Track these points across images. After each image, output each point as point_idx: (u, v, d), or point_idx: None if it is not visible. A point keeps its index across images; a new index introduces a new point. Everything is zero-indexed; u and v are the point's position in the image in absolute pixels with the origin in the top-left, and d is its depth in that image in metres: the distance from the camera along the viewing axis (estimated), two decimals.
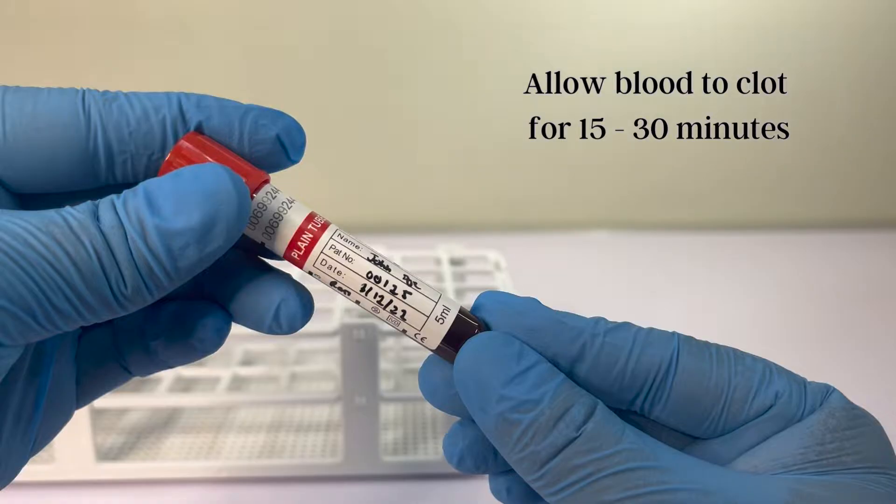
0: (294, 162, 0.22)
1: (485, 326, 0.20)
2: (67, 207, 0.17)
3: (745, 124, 0.88)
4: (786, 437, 0.19)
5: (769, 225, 0.90)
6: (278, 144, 0.21)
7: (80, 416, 0.37)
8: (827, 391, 0.20)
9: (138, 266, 0.17)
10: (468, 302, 0.44)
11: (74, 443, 0.38)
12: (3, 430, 0.19)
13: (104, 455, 0.41)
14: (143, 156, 0.20)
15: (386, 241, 0.54)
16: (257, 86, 0.82)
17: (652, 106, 0.87)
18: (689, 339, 0.20)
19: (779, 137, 0.88)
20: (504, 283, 0.46)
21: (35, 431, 0.21)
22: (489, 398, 0.18)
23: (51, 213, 0.17)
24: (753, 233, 0.87)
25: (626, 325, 0.21)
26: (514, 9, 0.82)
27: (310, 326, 0.39)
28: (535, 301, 0.21)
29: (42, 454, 0.41)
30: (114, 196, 0.18)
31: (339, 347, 0.38)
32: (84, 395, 0.22)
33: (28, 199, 0.20)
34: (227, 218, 0.18)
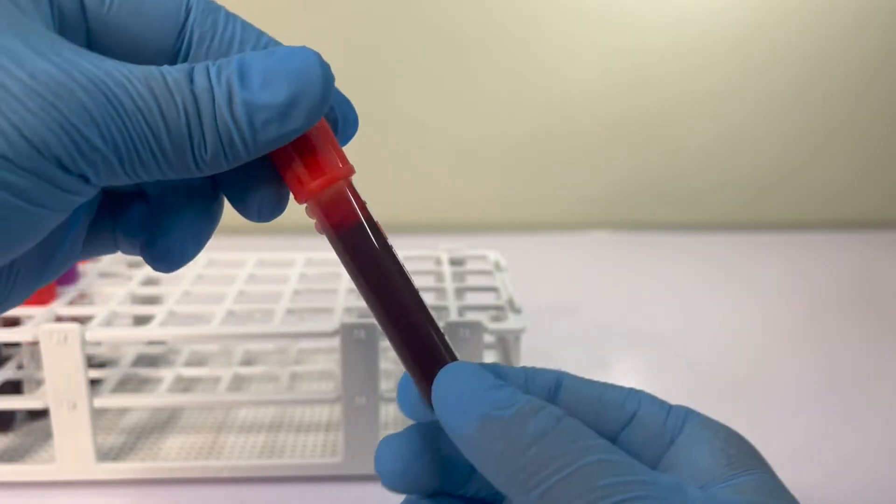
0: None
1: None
2: (166, 66, 0.18)
3: (746, 124, 0.88)
4: (696, 454, 0.20)
5: (769, 225, 0.90)
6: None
7: (81, 416, 0.37)
8: (688, 410, 0.21)
9: (220, 133, 0.18)
10: (468, 302, 0.44)
11: (75, 443, 0.38)
12: (42, 263, 0.20)
13: (104, 455, 0.41)
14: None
15: None
16: None
17: (652, 106, 0.87)
18: (571, 374, 0.22)
19: (778, 137, 0.88)
20: (504, 283, 0.46)
21: (55, 267, 0.21)
22: (471, 401, 0.19)
23: (151, 68, 0.18)
24: (753, 233, 0.87)
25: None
26: (515, 9, 0.82)
27: (310, 326, 0.39)
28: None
29: (43, 454, 0.41)
30: (209, 62, 0.19)
31: (339, 347, 0.38)
32: (85, 248, 0.23)
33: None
34: (311, 100, 0.19)
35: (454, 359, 0.21)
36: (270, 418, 0.45)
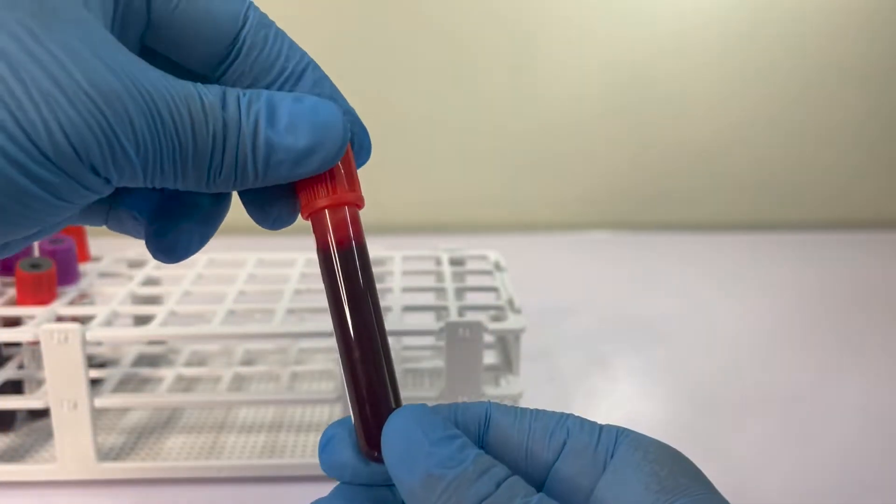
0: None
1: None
2: (199, 84, 0.19)
3: (746, 125, 0.88)
4: (627, 480, 0.19)
5: (769, 225, 0.90)
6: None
7: (82, 415, 0.37)
8: (618, 430, 0.21)
9: (237, 161, 0.19)
10: (468, 302, 0.44)
11: (76, 442, 0.38)
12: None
13: (105, 455, 0.41)
14: (248, 79, 0.21)
15: (386, 241, 0.54)
16: None
17: (652, 106, 0.87)
18: (499, 404, 0.22)
19: (777, 137, 0.88)
20: (504, 282, 0.46)
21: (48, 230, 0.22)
22: (417, 455, 0.19)
23: (189, 86, 0.18)
24: (753, 233, 0.87)
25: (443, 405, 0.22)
26: (515, 9, 0.82)
27: (310, 326, 0.39)
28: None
29: (43, 454, 0.41)
30: (240, 91, 0.19)
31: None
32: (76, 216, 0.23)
33: (147, 52, 0.21)
34: (327, 152, 0.20)
35: (399, 405, 0.21)
36: (271, 418, 0.45)
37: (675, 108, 0.87)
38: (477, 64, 0.84)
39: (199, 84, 0.19)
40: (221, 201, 0.23)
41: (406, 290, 0.45)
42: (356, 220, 0.21)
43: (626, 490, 0.19)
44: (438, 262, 0.49)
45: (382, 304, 0.43)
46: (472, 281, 0.49)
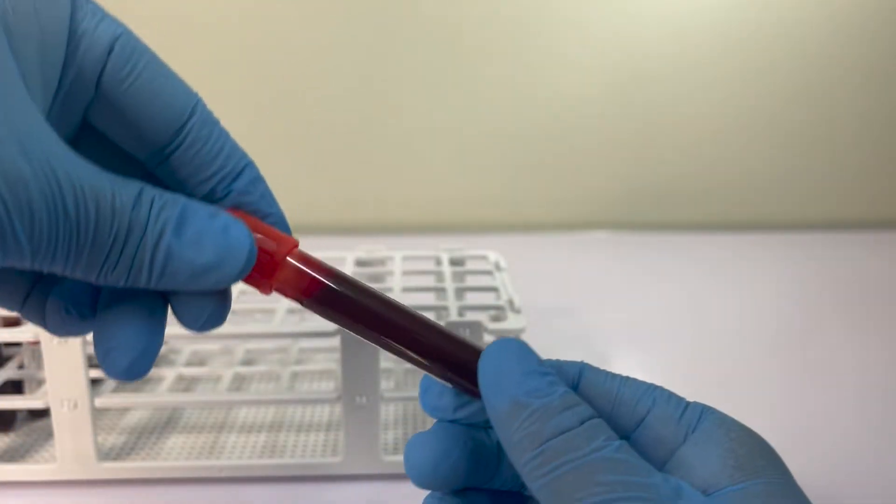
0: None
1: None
2: (119, 180, 0.18)
3: (745, 124, 0.88)
4: (705, 454, 0.20)
5: (769, 225, 0.90)
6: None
7: (82, 415, 0.37)
8: (704, 406, 0.22)
9: (134, 263, 0.19)
10: (468, 302, 0.44)
11: (76, 442, 0.38)
12: None
13: (106, 454, 0.41)
14: (185, 172, 0.21)
15: (386, 241, 0.54)
16: (257, 87, 0.83)
17: (652, 106, 0.87)
18: (592, 366, 0.23)
19: (778, 137, 0.88)
20: (504, 283, 0.46)
21: None
22: (508, 382, 0.20)
23: (104, 182, 0.18)
24: (753, 233, 0.87)
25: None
26: (516, 9, 0.82)
27: (310, 326, 0.39)
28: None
29: (43, 454, 0.41)
30: (157, 192, 0.19)
31: (339, 347, 0.38)
32: None
33: (86, 127, 0.22)
34: (224, 274, 0.20)
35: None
36: (271, 418, 0.45)
37: (675, 108, 0.87)
38: (477, 64, 0.84)
39: (117, 179, 0.18)
40: (158, 303, 0.21)
41: (406, 290, 0.45)
42: (307, 260, 0.22)
43: (703, 463, 0.20)
44: (438, 262, 0.49)
45: None
46: (472, 281, 0.49)
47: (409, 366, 0.51)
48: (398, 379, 0.48)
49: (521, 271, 0.54)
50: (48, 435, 0.42)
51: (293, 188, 0.85)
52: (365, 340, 0.22)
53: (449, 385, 0.22)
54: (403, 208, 0.88)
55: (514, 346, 0.21)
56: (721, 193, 0.90)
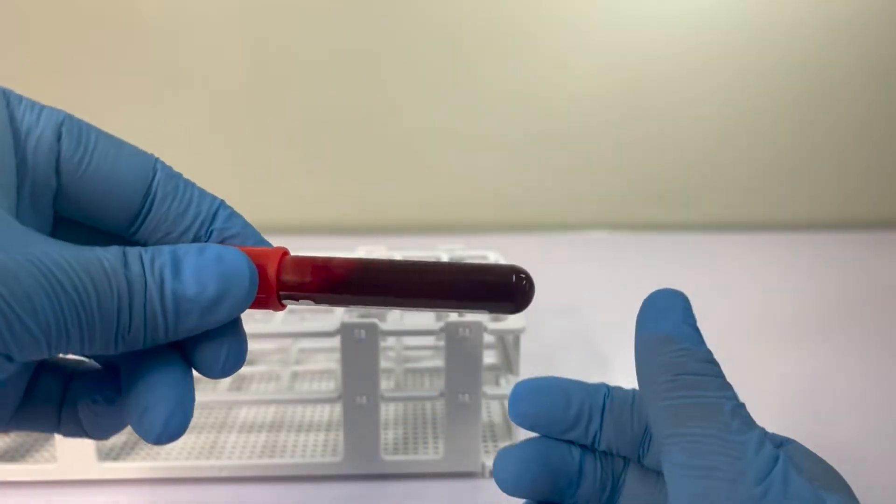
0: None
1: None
2: (98, 248, 0.19)
3: (745, 124, 0.88)
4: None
5: (769, 225, 0.90)
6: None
7: None
8: (784, 437, 0.23)
9: (146, 318, 0.19)
10: None
11: (76, 442, 0.38)
12: None
13: (106, 454, 0.41)
14: (164, 230, 0.22)
15: (386, 241, 0.54)
16: (258, 87, 0.83)
17: (652, 106, 0.87)
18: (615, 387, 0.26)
19: (778, 137, 0.88)
20: None
21: None
22: (669, 321, 0.23)
23: (87, 252, 0.18)
24: (753, 233, 0.87)
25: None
26: (516, 10, 0.82)
27: (311, 326, 0.39)
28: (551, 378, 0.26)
29: (44, 453, 0.41)
30: (142, 249, 0.19)
31: (339, 347, 0.38)
32: (15, 420, 0.23)
33: (61, 220, 0.22)
34: (236, 298, 0.20)
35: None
36: (271, 418, 0.45)
37: (675, 108, 0.87)
38: (477, 64, 0.84)
39: (97, 248, 0.19)
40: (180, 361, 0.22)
41: None
42: (302, 259, 0.22)
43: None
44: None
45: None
46: None
47: (408, 365, 0.51)
48: (398, 379, 0.48)
49: None
50: (48, 435, 0.42)
51: (293, 188, 0.85)
52: (392, 308, 0.23)
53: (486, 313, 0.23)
54: (403, 208, 0.88)
55: (681, 298, 0.24)
56: (721, 193, 0.91)
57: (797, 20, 0.84)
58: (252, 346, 0.53)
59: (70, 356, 0.23)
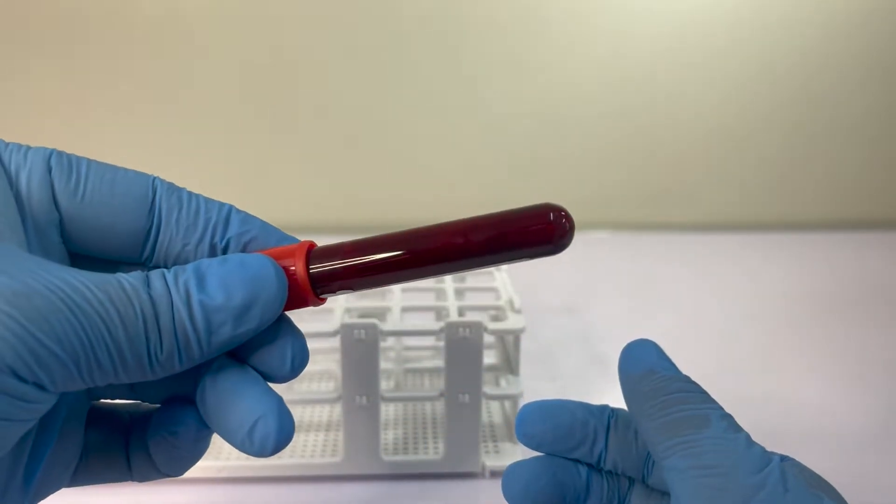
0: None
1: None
2: (120, 273, 0.18)
3: (745, 124, 0.88)
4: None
5: (769, 225, 0.90)
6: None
7: None
8: (782, 455, 0.23)
9: (177, 334, 0.18)
10: (468, 302, 0.44)
11: None
12: (12, 478, 0.20)
13: None
14: (179, 243, 0.22)
15: None
16: (258, 87, 0.83)
17: (652, 106, 0.87)
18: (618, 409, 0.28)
19: (778, 137, 0.88)
20: (504, 282, 0.46)
21: (34, 488, 0.21)
22: (647, 359, 0.24)
23: (106, 275, 0.18)
24: (753, 233, 0.87)
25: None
26: (514, 10, 0.82)
27: (310, 326, 0.39)
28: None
29: None
30: (164, 269, 0.19)
31: (339, 347, 0.38)
32: (82, 473, 0.23)
33: (77, 257, 0.22)
34: (266, 301, 0.20)
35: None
36: None
37: (674, 107, 0.87)
38: (477, 64, 0.84)
39: (118, 273, 0.18)
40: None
41: (406, 289, 0.45)
42: (330, 249, 0.22)
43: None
44: None
45: (382, 304, 0.43)
46: (471, 281, 0.49)
47: (408, 365, 0.51)
48: (398, 379, 0.48)
49: (521, 271, 0.54)
50: None
51: (295, 189, 0.85)
52: (434, 276, 0.22)
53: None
54: (404, 209, 0.88)
55: (654, 344, 0.25)
56: (720, 193, 0.90)
57: (796, 20, 0.84)
58: None
59: (121, 401, 0.23)
